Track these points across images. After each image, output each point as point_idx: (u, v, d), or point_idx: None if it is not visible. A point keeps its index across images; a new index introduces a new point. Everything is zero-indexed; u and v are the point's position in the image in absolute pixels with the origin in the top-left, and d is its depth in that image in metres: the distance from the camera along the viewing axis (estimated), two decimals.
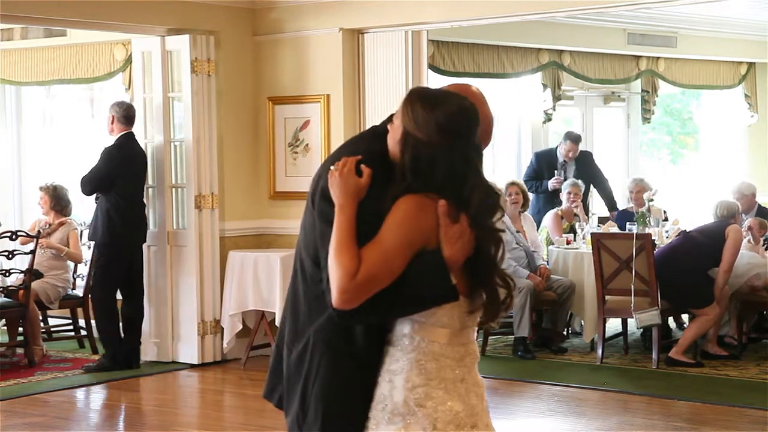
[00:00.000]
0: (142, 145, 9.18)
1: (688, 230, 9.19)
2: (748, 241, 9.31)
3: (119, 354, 8.93)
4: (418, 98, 2.92)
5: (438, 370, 2.92)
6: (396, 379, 2.92)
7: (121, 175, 8.87)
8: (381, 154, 2.99)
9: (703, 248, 8.75)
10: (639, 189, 10.39)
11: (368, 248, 2.85)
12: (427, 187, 2.88)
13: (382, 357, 2.98)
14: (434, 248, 2.87)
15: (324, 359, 3.00)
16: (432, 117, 2.87)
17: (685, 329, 9.14)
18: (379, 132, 3.07)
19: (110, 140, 9.03)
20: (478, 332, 8.62)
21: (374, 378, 2.97)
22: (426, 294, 2.90)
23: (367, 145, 3.12)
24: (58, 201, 9.85)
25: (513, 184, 9.87)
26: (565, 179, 11.04)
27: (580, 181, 10.60)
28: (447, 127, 2.87)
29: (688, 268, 8.72)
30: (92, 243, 9.30)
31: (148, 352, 9.26)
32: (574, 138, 11.21)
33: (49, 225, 9.70)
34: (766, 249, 9.38)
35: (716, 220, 9.02)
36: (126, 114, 9.02)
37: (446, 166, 2.88)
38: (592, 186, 11.38)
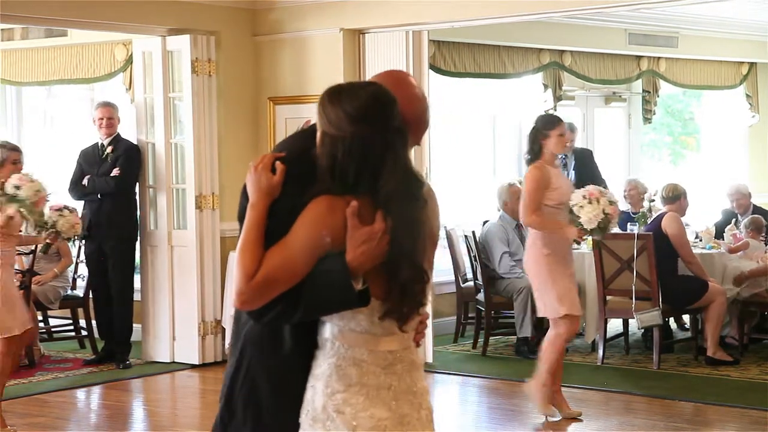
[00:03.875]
0: (144, 146, 9.25)
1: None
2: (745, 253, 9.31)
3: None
4: (327, 96, 2.86)
5: (360, 376, 2.83)
6: (318, 384, 2.85)
7: (139, 172, 9.19)
8: (305, 152, 2.90)
9: (659, 251, 8.70)
10: (632, 188, 10.47)
11: (272, 250, 2.77)
12: (345, 187, 2.79)
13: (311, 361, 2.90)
14: (339, 251, 2.76)
15: (253, 360, 2.94)
16: (341, 110, 2.80)
17: (705, 324, 8.89)
18: (311, 130, 2.99)
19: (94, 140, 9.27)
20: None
21: (305, 383, 2.90)
22: (325, 299, 2.78)
23: (292, 143, 3.07)
24: None
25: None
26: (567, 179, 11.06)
27: None
28: (356, 115, 2.80)
29: (661, 270, 8.68)
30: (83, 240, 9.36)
31: (148, 353, 9.27)
32: (569, 126, 11.23)
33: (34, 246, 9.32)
34: (766, 252, 9.36)
35: (657, 214, 9.13)
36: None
37: (362, 155, 2.79)
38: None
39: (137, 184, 9.28)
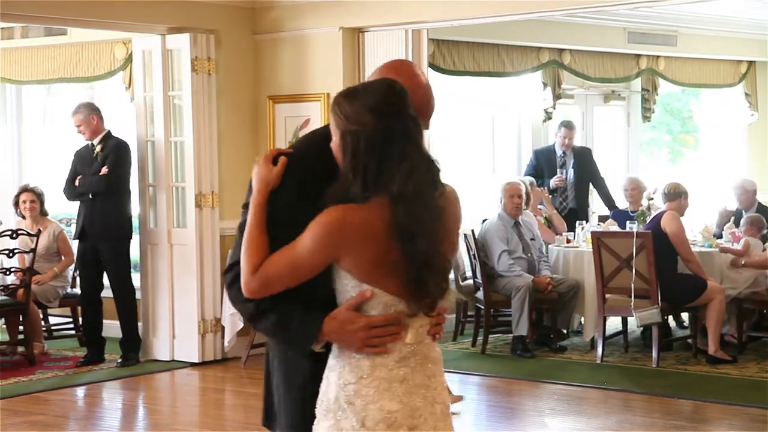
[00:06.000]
0: (144, 144, 9.26)
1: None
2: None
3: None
4: (342, 96, 2.92)
5: (372, 368, 2.88)
6: (331, 376, 2.93)
7: (129, 169, 9.15)
8: (312, 146, 3.03)
9: (658, 247, 8.70)
10: (633, 187, 10.47)
11: (282, 251, 2.88)
12: (365, 185, 2.84)
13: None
14: (321, 313, 2.88)
15: (278, 352, 3.07)
16: (360, 104, 2.86)
17: (706, 323, 8.86)
18: (321, 132, 3.07)
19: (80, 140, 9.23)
20: (460, 332, 8.28)
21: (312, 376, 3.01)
22: (284, 337, 2.96)
23: (303, 139, 3.22)
24: (43, 204, 9.81)
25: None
26: (566, 177, 11.07)
27: (527, 179, 10.54)
28: (377, 108, 2.86)
29: (660, 269, 8.69)
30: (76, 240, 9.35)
31: (148, 351, 9.28)
32: (567, 124, 11.26)
33: (36, 236, 9.32)
34: (764, 250, 9.36)
35: (656, 212, 9.13)
36: (100, 111, 9.18)
37: (383, 148, 2.84)
38: (591, 184, 11.40)
39: (129, 181, 9.19)
